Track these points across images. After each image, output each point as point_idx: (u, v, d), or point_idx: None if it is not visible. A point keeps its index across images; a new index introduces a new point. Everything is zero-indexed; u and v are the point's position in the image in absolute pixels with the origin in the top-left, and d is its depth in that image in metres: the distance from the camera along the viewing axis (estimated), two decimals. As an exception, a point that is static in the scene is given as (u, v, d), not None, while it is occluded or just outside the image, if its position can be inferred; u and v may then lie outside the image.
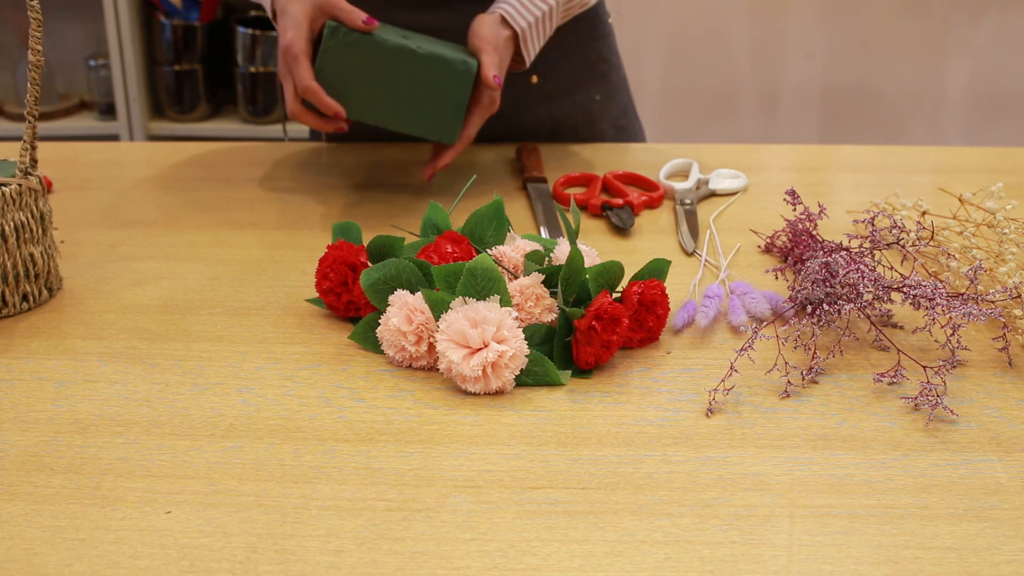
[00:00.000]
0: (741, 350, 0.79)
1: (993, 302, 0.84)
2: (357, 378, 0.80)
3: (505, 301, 0.79)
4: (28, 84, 0.88)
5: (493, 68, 1.09)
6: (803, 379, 0.79)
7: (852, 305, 0.81)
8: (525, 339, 0.78)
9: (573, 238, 0.86)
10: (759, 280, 0.95)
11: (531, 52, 1.16)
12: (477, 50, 1.10)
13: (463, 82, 1.08)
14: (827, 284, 0.83)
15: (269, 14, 1.14)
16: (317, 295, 0.89)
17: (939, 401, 0.75)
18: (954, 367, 0.80)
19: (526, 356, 0.78)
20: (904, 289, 0.82)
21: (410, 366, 0.81)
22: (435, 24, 1.23)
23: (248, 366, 0.82)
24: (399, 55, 1.06)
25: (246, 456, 0.70)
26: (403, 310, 0.80)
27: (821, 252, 0.89)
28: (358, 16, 1.06)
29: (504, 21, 1.13)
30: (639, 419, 0.75)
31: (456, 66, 1.07)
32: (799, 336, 0.83)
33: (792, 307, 0.86)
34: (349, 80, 1.07)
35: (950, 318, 0.80)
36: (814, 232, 0.97)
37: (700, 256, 1.02)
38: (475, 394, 0.77)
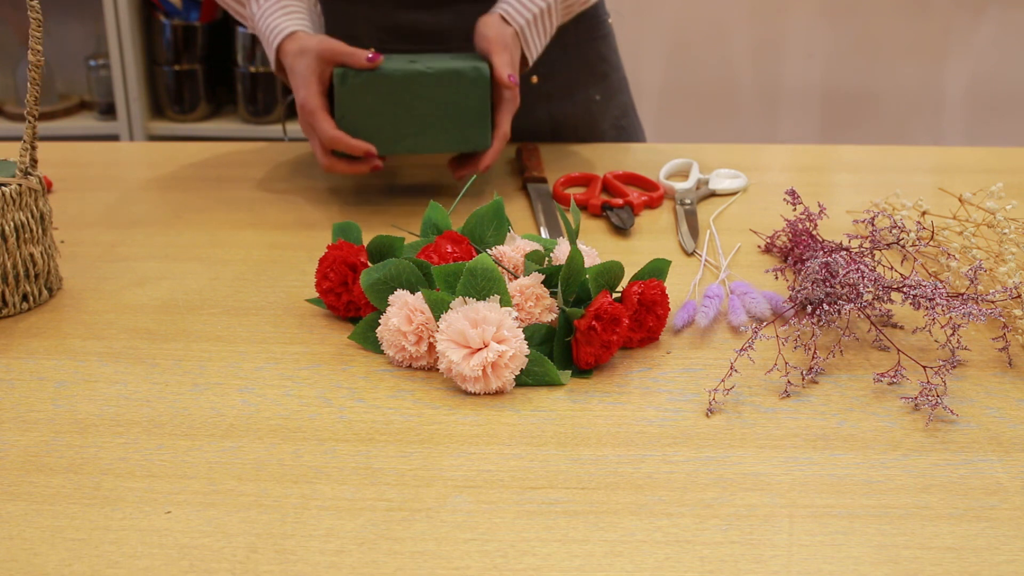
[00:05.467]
0: (741, 350, 0.79)
1: (993, 302, 0.84)
2: (357, 378, 0.80)
3: (505, 301, 0.79)
4: (28, 84, 0.88)
5: (507, 68, 1.09)
6: (803, 379, 0.79)
7: (852, 305, 0.81)
8: (525, 339, 0.78)
9: (573, 238, 0.86)
10: (759, 280, 0.95)
11: (532, 50, 1.16)
12: (486, 52, 1.10)
13: (479, 88, 1.08)
14: (827, 284, 0.83)
15: (272, 66, 1.15)
16: (317, 295, 0.89)
17: (939, 401, 0.75)
18: (954, 367, 0.80)
19: (526, 356, 0.78)
20: (904, 289, 0.82)
21: (410, 366, 0.81)
22: (436, 24, 1.23)
23: (248, 366, 0.82)
24: (411, 80, 1.07)
25: (246, 456, 0.70)
26: (403, 310, 0.80)
27: (821, 252, 0.89)
28: (361, 56, 1.07)
29: (504, 20, 1.13)
30: (639, 419, 0.75)
31: (468, 75, 1.08)
32: (799, 336, 0.83)
33: (792, 307, 0.86)
34: (371, 119, 1.08)
35: (950, 318, 0.80)
36: (814, 232, 0.97)
37: (700, 256, 1.02)
38: (475, 394, 0.77)
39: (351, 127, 1.08)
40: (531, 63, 1.17)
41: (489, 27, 1.12)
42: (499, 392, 0.78)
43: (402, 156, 1.29)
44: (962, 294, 0.83)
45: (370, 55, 1.06)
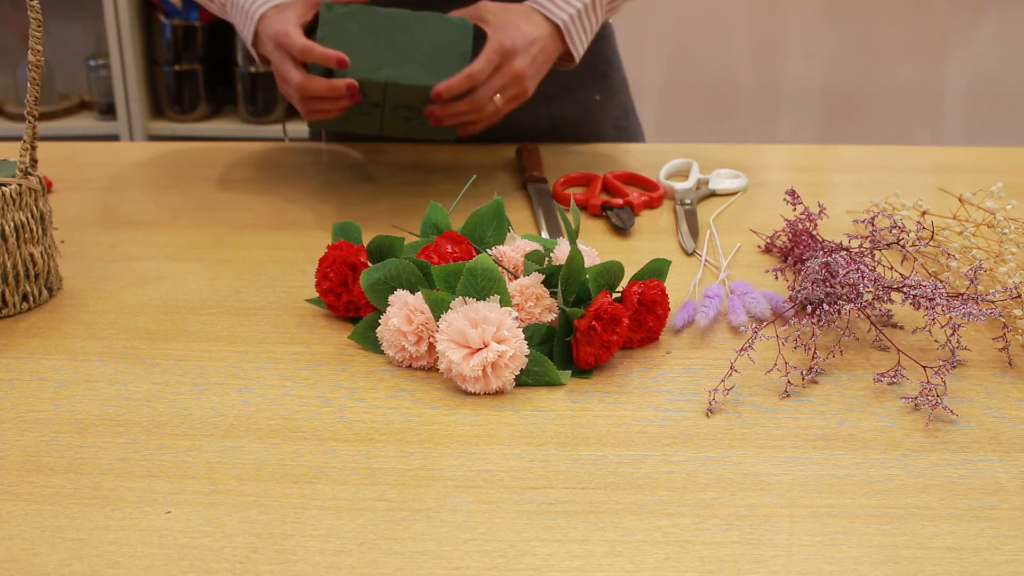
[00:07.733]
0: (741, 350, 0.79)
1: (993, 302, 0.84)
2: (357, 378, 0.80)
3: (505, 301, 0.79)
4: (28, 84, 0.88)
5: (483, 64, 1.06)
6: (803, 379, 0.79)
7: (852, 305, 0.81)
8: (525, 339, 0.78)
9: (573, 238, 0.86)
10: (759, 280, 0.95)
11: (578, 46, 1.15)
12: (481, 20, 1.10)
13: (463, 35, 1.08)
14: (827, 284, 0.83)
15: (249, 39, 1.13)
16: (317, 295, 0.89)
17: (939, 401, 0.75)
18: (954, 367, 0.80)
19: (526, 356, 0.78)
20: (904, 289, 0.82)
21: (410, 366, 0.81)
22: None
23: (248, 366, 0.82)
24: (397, 17, 1.08)
25: (246, 456, 0.70)
26: (403, 310, 0.80)
27: (821, 252, 0.89)
28: None
29: (543, 17, 1.12)
30: (639, 419, 0.75)
31: (454, 21, 1.08)
32: (799, 336, 0.83)
33: (792, 307, 0.86)
34: (351, 45, 1.07)
35: (950, 318, 0.80)
36: (814, 232, 0.97)
37: (700, 256, 1.02)
38: (475, 394, 0.77)
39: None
40: (576, 61, 1.16)
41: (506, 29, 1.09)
42: (499, 392, 0.78)
43: (401, 154, 1.29)
44: (962, 294, 0.83)
45: None
